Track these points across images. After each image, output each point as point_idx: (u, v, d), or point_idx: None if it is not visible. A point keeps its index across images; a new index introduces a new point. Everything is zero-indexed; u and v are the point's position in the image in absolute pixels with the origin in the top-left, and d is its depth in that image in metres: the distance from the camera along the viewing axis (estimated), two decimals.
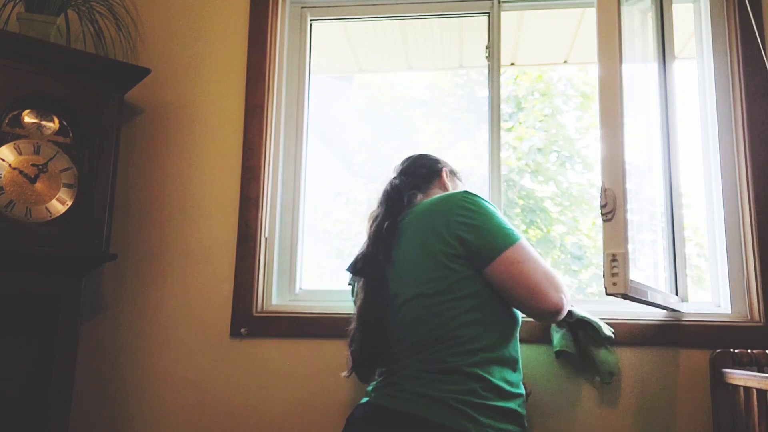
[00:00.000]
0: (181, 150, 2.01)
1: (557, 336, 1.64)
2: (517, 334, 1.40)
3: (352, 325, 1.45)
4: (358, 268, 1.47)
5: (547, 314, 1.33)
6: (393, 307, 1.36)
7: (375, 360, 1.40)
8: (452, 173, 1.63)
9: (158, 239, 1.96)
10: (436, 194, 1.52)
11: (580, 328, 1.63)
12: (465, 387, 1.26)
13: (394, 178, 1.58)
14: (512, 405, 1.30)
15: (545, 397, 1.71)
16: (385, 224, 1.43)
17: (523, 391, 1.36)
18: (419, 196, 1.52)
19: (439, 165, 1.61)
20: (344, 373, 1.47)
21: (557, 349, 1.62)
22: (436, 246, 1.32)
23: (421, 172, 1.58)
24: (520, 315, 1.41)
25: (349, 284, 1.61)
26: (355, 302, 1.53)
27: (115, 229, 1.91)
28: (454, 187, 1.60)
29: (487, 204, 1.37)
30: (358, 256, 1.49)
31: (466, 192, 1.38)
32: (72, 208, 1.73)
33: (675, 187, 1.78)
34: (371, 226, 1.48)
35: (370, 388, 1.39)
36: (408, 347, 1.33)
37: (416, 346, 1.32)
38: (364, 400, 1.37)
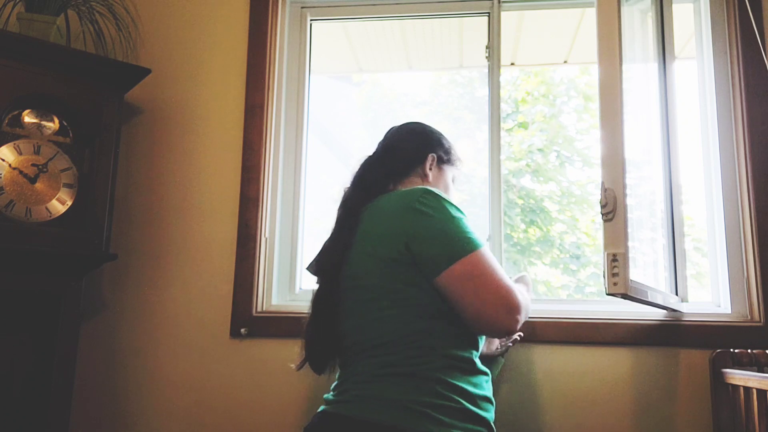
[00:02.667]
0: (181, 150, 2.01)
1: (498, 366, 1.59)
2: (481, 338, 1.28)
3: (308, 318, 1.36)
4: (314, 265, 1.38)
5: (494, 335, 1.27)
6: (344, 307, 1.27)
7: (330, 354, 1.32)
8: (441, 160, 1.46)
9: (158, 239, 1.96)
10: (411, 185, 1.39)
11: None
12: (424, 389, 1.15)
13: (372, 154, 1.45)
14: (478, 409, 1.19)
15: (543, 396, 1.71)
16: (346, 220, 1.31)
17: (489, 395, 1.24)
18: (390, 186, 1.39)
19: (426, 149, 1.44)
20: (296, 365, 1.37)
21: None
22: (384, 251, 1.21)
23: (402, 155, 1.43)
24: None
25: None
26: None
27: (115, 229, 1.92)
28: (436, 177, 1.45)
29: (446, 207, 1.22)
30: (322, 246, 1.38)
31: (426, 192, 1.23)
32: (72, 208, 1.73)
33: (675, 187, 1.78)
34: (337, 213, 1.36)
35: (326, 395, 1.29)
36: (359, 351, 1.23)
37: (368, 350, 1.22)
38: (320, 408, 1.26)
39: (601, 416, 1.68)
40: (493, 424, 1.22)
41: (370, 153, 1.46)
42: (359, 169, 1.42)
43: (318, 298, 1.33)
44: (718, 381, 1.59)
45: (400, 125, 1.52)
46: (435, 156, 1.45)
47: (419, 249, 1.18)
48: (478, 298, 1.15)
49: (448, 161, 1.48)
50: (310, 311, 1.35)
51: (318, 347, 1.33)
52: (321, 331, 1.31)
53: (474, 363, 1.23)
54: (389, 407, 1.14)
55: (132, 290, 1.94)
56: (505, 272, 1.20)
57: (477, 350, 1.26)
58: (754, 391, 1.42)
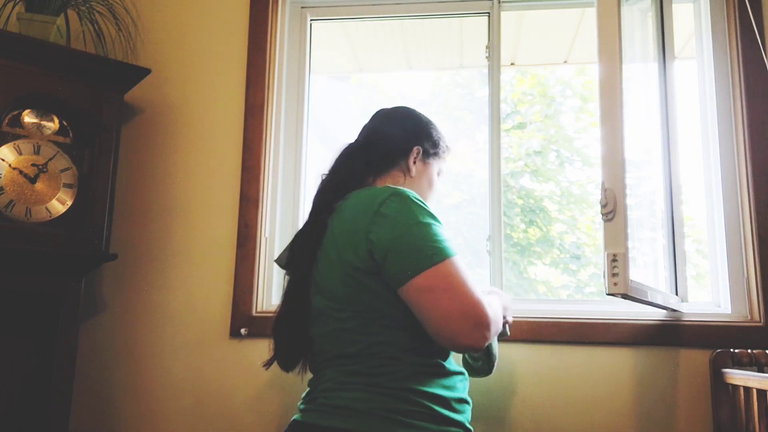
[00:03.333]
0: (181, 150, 2.01)
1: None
2: None
3: (277, 315, 1.30)
4: (286, 260, 1.30)
5: (459, 350, 1.11)
6: (313, 309, 1.20)
7: (299, 354, 1.27)
8: (426, 153, 1.37)
9: (158, 239, 1.96)
10: (392, 179, 1.32)
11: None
12: (393, 396, 1.10)
13: (354, 141, 1.37)
14: (450, 412, 1.14)
15: (544, 396, 1.71)
16: (321, 206, 1.24)
17: (464, 395, 1.20)
18: (370, 179, 1.31)
19: (412, 141, 1.35)
20: (262, 364, 1.32)
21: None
22: (348, 256, 1.13)
23: (385, 146, 1.33)
24: None
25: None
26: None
27: (115, 229, 1.92)
28: (420, 172, 1.36)
29: (414, 212, 1.12)
30: (294, 238, 1.31)
31: (394, 193, 1.14)
32: (72, 208, 1.73)
33: (675, 187, 1.78)
34: (312, 201, 1.29)
35: (298, 403, 1.24)
36: (328, 359, 1.18)
37: (335, 359, 1.17)
38: (293, 417, 1.21)
39: (601, 416, 1.69)
40: (468, 424, 1.18)
41: (353, 140, 1.37)
42: (339, 156, 1.33)
43: (289, 295, 1.26)
44: (718, 381, 1.59)
45: (389, 109, 1.43)
46: (420, 149, 1.36)
47: (382, 258, 1.09)
48: (441, 312, 1.05)
49: (435, 154, 1.40)
50: (280, 307, 1.29)
51: (287, 346, 1.27)
52: (292, 330, 1.25)
53: (444, 366, 1.18)
54: (359, 415, 1.09)
55: (132, 290, 1.94)
56: (476, 283, 1.10)
57: (448, 356, 1.21)
58: (754, 391, 1.43)
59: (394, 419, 1.08)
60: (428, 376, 1.14)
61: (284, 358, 1.29)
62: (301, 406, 1.21)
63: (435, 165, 1.40)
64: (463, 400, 1.19)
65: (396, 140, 1.35)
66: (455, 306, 1.05)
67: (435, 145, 1.40)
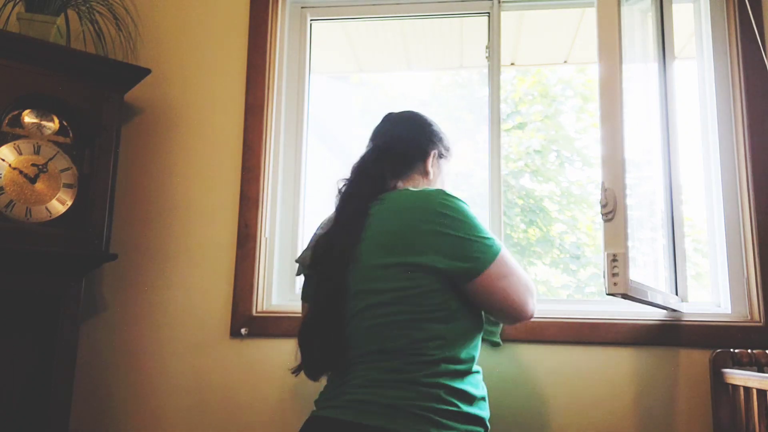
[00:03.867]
0: (181, 150, 2.01)
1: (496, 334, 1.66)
2: (480, 340, 1.29)
3: (304, 323, 1.29)
4: (313, 259, 1.30)
5: (522, 321, 1.30)
6: (350, 309, 1.21)
7: (333, 360, 1.23)
8: (440, 156, 1.45)
9: (158, 239, 1.96)
10: (413, 182, 1.38)
11: None
12: (427, 393, 1.14)
13: (372, 149, 1.40)
14: (476, 410, 1.20)
15: (544, 396, 1.71)
16: (355, 213, 1.26)
17: (485, 393, 1.26)
18: (392, 183, 1.34)
19: (429, 146, 1.42)
20: (291, 369, 1.32)
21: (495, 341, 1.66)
22: (405, 254, 1.18)
23: (404, 151, 1.39)
24: (482, 317, 1.30)
25: (297, 275, 1.46)
26: (305, 292, 1.39)
27: (115, 229, 1.91)
28: (436, 175, 1.43)
29: (466, 208, 1.23)
30: (314, 244, 1.33)
31: (444, 193, 1.23)
32: (72, 208, 1.73)
33: (675, 187, 1.78)
34: (337, 212, 1.31)
35: (317, 399, 1.26)
36: (361, 355, 1.19)
37: (371, 355, 1.18)
38: (314, 413, 1.23)
39: (601, 416, 1.68)
40: (487, 422, 1.24)
41: (370, 147, 1.42)
42: (360, 163, 1.37)
43: (323, 298, 1.24)
44: (718, 381, 1.59)
45: (399, 114, 1.48)
46: (436, 152, 1.43)
47: (452, 254, 1.18)
48: (516, 293, 1.23)
49: (446, 156, 1.47)
50: (311, 311, 1.27)
51: (320, 353, 1.24)
52: (325, 334, 1.22)
53: (473, 364, 1.24)
54: (393, 413, 1.12)
55: (132, 290, 1.94)
56: None
57: (477, 352, 1.27)
58: (754, 391, 1.42)
59: (424, 417, 1.12)
60: (460, 374, 1.20)
61: (315, 367, 1.27)
62: (325, 403, 1.22)
63: (446, 166, 1.47)
64: (485, 398, 1.26)
65: (414, 144, 1.41)
66: (523, 286, 1.25)
67: (446, 147, 1.47)
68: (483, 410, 1.23)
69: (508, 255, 1.24)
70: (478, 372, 1.26)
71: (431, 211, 1.20)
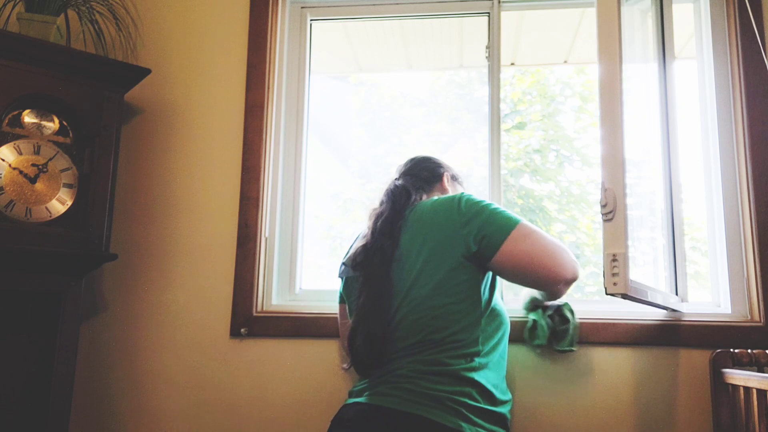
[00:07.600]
0: (181, 150, 2.01)
1: (542, 327, 1.64)
2: (507, 339, 1.45)
3: (352, 320, 1.43)
4: (358, 261, 1.46)
5: (563, 282, 1.34)
6: (393, 305, 1.37)
7: (379, 354, 1.37)
8: (453, 178, 1.68)
9: (158, 239, 1.96)
10: (438, 196, 1.56)
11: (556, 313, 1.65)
12: (461, 389, 1.29)
13: (396, 179, 1.62)
14: (501, 409, 1.35)
15: (544, 396, 1.71)
16: (393, 220, 1.44)
17: (510, 396, 1.41)
18: (424, 196, 1.56)
19: (441, 169, 1.66)
20: (344, 365, 1.47)
21: (540, 343, 1.63)
22: (441, 246, 1.36)
23: (423, 174, 1.63)
24: (508, 320, 1.46)
25: (340, 277, 1.60)
26: (344, 295, 1.57)
27: (115, 229, 1.91)
28: (453, 191, 1.63)
29: (479, 199, 1.42)
30: (357, 249, 1.49)
31: (466, 194, 1.43)
32: (72, 208, 1.73)
33: (675, 187, 1.78)
34: (375, 222, 1.48)
35: (356, 389, 1.40)
36: (405, 347, 1.34)
37: (414, 347, 1.34)
38: (351, 401, 1.37)
39: (601, 416, 1.69)
40: (509, 413, 1.39)
41: (396, 177, 1.65)
42: (391, 186, 1.57)
43: (370, 301, 1.38)
44: (718, 381, 1.60)
45: (413, 157, 1.72)
46: (449, 174, 1.67)
47: (479, 227, 1.34)
48: (545, 248, 1.32)
49: (458, 180, 1.71)
50: (359, 315, 1.39)
51: (370, 352, 1.36)
52: (377, 335, 1.35)
53: (503, 360, 1.41)
54: (431, 402, 1.26)
55: (132, 290, 1.94)
56: None
57: (506, 352, 1.44)
58: (754, 391, 1.43)
59: (458, 411, 1.26)
60: (494, 371, 1.36)
61: (366, 365, 1.39)
62: (368, 390, 1.35)
63: (459, 187, 1.70)
64: (510, 399, 1.41)
65: (432, 170, 1.66)
66: (550, 243, 1.34)
67: (455, 175, 1.71)
68: (506, 409, 1.37)
69: (529, 223, 1.37)
70: (503, 370, 1.41)
71: (457, 209, 1.38)
